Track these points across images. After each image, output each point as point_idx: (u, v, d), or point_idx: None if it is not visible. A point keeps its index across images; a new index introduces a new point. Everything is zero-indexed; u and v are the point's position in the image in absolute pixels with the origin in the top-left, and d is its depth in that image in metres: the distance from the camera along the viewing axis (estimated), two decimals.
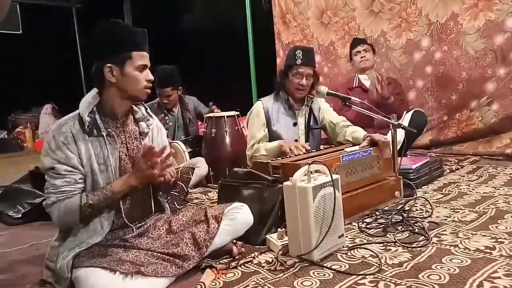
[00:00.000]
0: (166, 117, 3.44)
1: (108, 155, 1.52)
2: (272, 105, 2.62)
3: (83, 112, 1.50)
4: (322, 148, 2.48)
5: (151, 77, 1.57)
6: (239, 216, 1.71)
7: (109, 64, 1.49)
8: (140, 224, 1.65)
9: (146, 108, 1.69)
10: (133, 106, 1.65)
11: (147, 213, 1.70)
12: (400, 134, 2.98)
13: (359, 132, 2.44)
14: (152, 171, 1.48)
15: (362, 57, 3.30)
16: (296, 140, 2.59)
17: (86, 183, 1.51)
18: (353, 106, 2.46)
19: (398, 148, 2.31)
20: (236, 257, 1.67)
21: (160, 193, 1.78)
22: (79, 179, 1.49)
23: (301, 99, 2.64)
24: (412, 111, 2.97)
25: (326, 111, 2.70)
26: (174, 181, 1.74)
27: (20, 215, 2.57)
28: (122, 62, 1.50)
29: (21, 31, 6.75)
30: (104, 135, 1.52)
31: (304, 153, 2.27)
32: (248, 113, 2.72)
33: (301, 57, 2.50)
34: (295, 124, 2.63)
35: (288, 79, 2.56)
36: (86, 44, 1.76)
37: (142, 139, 1.65)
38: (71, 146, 1.47)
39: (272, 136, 2.60)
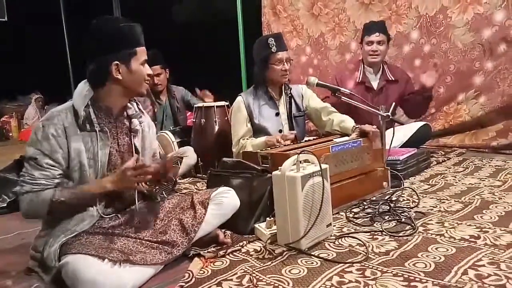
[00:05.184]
0: (155, 105, 3.42)
1: (97, 151, 1.50)
2: (253, 98, 2.61)
3: (78, 106, 1.48)
4: (312, 139, 2.48)
5: (150, 71, 1.59)
6: (225, 200, 1.72)
7: (116, 62, 1.48)
8: (125, 212, 1.63)
9: (138, 104, 1.68)
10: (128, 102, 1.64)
11: (131, 203, 1.67)
12: (406, 135, 3.00)
13: (348, 122, 2.42)
14: (134, 185, 1.52)
15: (373, 51, 3.04)
16: (280, 130, 2.60)
17: (74, 177, 1.49)
18: (342, 97, 2.46)
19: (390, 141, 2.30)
20: (224, 246, 1.68)
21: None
22: (57, 174, 1.46)
23: (279, 88, 2.63)
24: (421, 124, 3.09)
25: (309, 97, 2.69)
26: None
27: (5, 205, 2.54)
28: (128, 58, 1.50)
29: (6, 18, 6.60)
30: (97, 130, 1.50)
31: (292, 141, 2.28)
32: (230, 109, 2.70)
33: (275, 44, 2.50)
34: (277, 114, 2.62)
35: (269, 69, 2.54)
36: (85, 43, 1.74)
37: (134, 136, 1.64)
38: (60, 139, 1.45)
39: (257, 129, 2.59)
